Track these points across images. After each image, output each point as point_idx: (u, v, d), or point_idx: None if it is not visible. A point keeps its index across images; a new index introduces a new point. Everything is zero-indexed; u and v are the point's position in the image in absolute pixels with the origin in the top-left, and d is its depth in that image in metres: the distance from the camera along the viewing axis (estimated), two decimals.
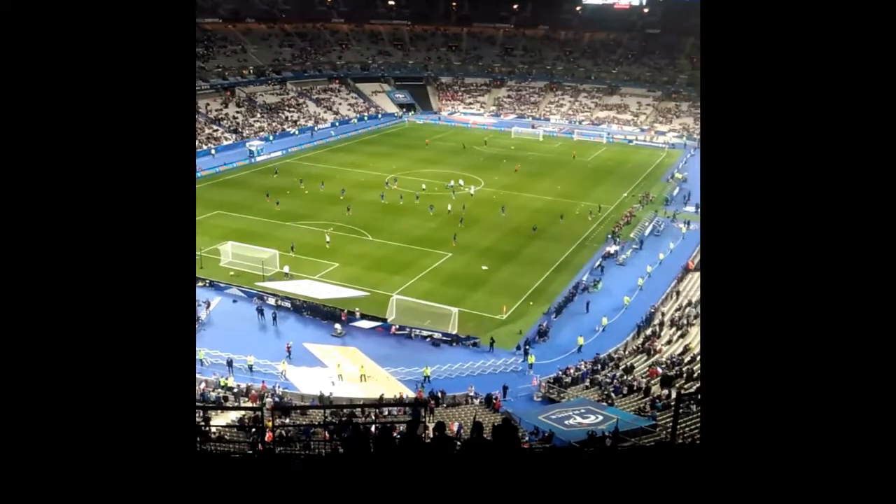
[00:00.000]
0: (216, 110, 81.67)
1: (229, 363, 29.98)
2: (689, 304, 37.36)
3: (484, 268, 42.29)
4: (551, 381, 30.15)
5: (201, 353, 30.87)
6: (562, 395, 29.05)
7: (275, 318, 35.55)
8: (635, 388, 28.43)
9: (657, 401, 26.01)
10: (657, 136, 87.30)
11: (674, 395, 24.96)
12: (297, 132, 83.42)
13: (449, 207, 53.30)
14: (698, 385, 26.22)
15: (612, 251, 45.57)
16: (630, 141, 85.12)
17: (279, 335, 34.60)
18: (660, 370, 29.19)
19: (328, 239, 45.39)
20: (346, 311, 35.39)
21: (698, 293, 38.68)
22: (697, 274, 41.69)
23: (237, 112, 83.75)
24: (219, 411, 24.85)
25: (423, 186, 58.58)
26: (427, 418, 25.20)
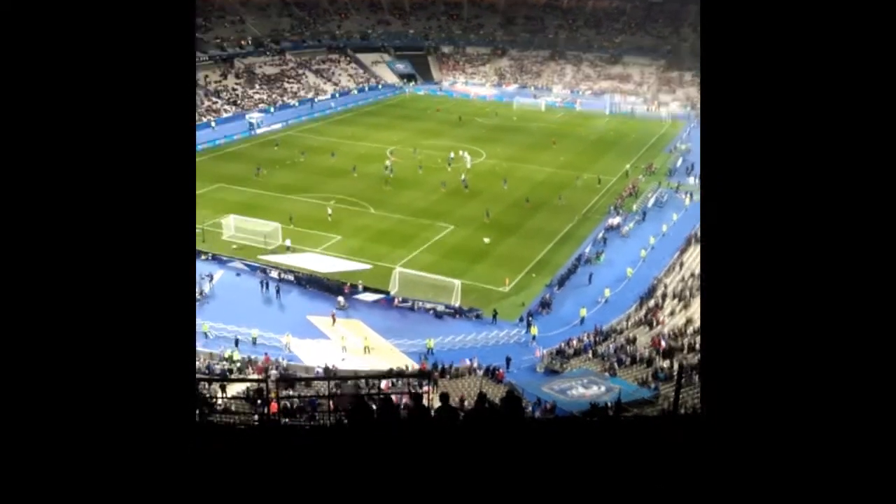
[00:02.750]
0: (215, 82, 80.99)
1: (236, 342, 30.23)
2: (692, 275, 37.37)
3: (486, 240, 42.27)
4: (554, 352, 30.34)
5: (205, 326, 31.06)
6: (564, 366, 29.25)
7: (278, 292, 35.69)
8: (638, 358, 28.60)
9: (659, 371, 26.19)
10: (660, 106, 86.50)
11: (676, 365, 25.13)
12: (297, 104, 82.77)
13: (462, 177, 53.27)
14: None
15: (615, 223, 45.48)
16: (632, 111, 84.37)
17: (283, 308, 34.78)
18: (663, 342, 29.32)
19: (330, 212, 45.32)
20: (348, 283, 35.50)
21: None
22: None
23: (236, 84, 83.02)
24: (224, 383, 25.05)
25: (389, 163, 57.20)
26: (431, 389, 25.39)
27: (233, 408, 21.70)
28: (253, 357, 29.20)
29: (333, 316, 32.88)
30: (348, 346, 30.75)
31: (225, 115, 74.32)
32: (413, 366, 28.83)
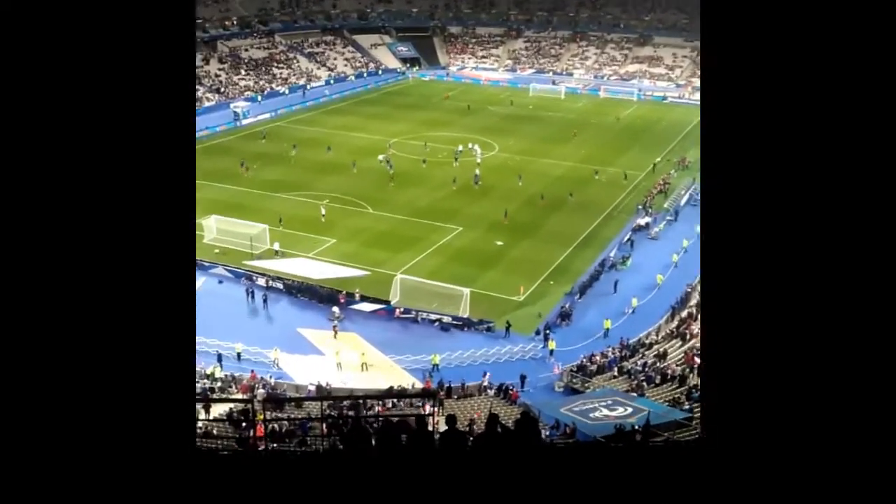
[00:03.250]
0: (196, 67, 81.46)
1: (218, 358, 30.31)
2: None
3: (498, 243, 42.29)
4: (574, 369, 30.31)
5: None
6: (586, 384, 29.22)
7: (265, 301, 35.79)
8: (669, 376, 28.52)
9: (693, 391, 26.08)
10: (695, 91, 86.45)
11: None
12: (286, 91, 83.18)
13: (476, 172, 53.44)
14: None
15: (643, 223, 45.42)
16: (664, 98, 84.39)
17: (270, 320, 34.88)
18: (697, 357, 29.24)
19: (323, 212, 45.44)
20: (344, 292, 35.56)
21: None
22: None
23: (220, 69, 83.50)
24: (205, 404, 25.14)
25: (383, 157, 57.33)
26: (436, 410, 25.44)
27: (214, 431, 21.77)
28: (237, 374, 29.28)
29: (335, 329, 32.89)
30: (343, 361, 30.79)
31: (207, 104, 74.71)
32: (416, 384, 28.86)
